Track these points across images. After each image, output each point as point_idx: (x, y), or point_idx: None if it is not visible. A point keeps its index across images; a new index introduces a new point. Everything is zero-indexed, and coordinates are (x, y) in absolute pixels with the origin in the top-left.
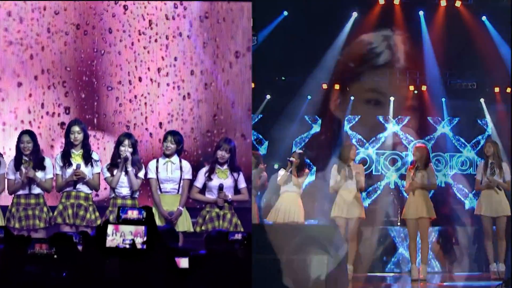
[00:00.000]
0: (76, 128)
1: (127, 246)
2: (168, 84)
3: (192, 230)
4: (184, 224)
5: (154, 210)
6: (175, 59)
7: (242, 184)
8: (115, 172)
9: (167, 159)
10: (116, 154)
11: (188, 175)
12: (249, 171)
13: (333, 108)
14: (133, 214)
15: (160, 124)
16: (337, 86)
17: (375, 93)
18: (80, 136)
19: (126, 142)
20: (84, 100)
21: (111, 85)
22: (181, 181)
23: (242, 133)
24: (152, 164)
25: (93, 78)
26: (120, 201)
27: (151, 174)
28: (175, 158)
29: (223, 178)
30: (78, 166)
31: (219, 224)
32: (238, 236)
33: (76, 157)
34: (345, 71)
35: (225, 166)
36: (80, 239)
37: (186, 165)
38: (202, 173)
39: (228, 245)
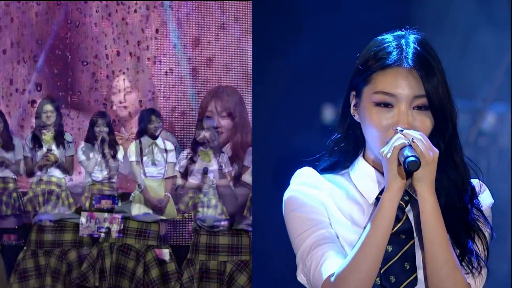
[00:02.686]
0: (48, 107)
1: (102, 234)
2: (148, 59)
3: (177, 217)
4: (170, 211)
5: (138, 196)
6: (156, 31)
7: (228, 168)
8: (91, 155)
9: (151, 140)
10: (91, 135)
11: (173, 158)
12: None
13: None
14: (106, 203)
15: (140, 102)
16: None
17: None
18: (52, 116)
19: (100, 121)
20: (57, 76)
21: (87, 60)
22: (166, 165)
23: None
24: (134, 145)
25: (67, 52)
26: (97, 187)
27: (133, 157)
28: (159, 139)
29: (207, 161)
30: (48, 149)
31: (203, 211)
32: (225, 224)
33: (47, 138)
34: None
35: (209, 148)
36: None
37: (171, 147)
38: (184, 155)
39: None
